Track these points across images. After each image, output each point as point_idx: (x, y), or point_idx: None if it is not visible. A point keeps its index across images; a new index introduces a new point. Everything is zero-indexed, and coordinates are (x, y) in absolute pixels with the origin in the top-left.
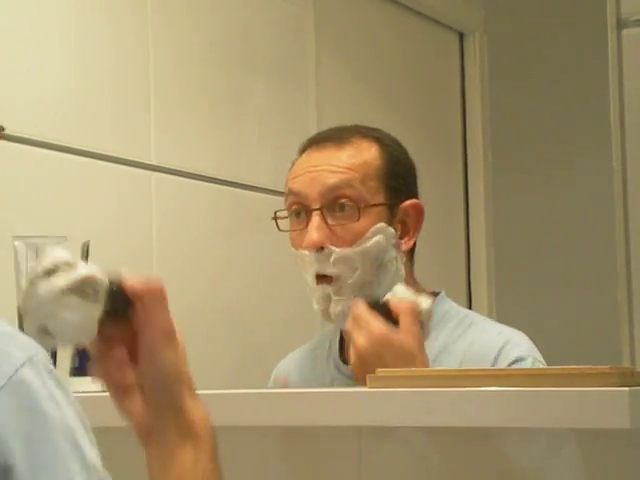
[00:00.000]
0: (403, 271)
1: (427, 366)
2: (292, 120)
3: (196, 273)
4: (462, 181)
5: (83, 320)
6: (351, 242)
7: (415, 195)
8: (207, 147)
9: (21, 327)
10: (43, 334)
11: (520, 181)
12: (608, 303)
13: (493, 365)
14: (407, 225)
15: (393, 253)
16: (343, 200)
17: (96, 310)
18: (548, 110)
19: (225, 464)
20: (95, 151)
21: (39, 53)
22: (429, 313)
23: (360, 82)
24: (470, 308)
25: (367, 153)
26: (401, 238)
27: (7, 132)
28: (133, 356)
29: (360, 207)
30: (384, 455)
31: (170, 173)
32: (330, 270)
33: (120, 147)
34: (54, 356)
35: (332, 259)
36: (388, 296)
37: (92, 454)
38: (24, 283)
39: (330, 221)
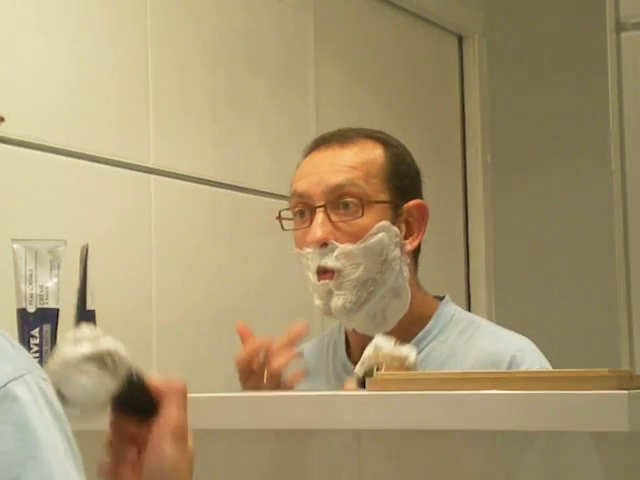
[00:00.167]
0: (407, 273)
1: None
2: (292, 123)
3: (195, 275)
4: (461, 182)
5: (96, 388)
6: (355, 238)
7: (419, 197)
8: (206, 150)
9: (20, 331)
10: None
11: (519, 182)
12: (607, 306)
13: None
14: (411, 226)
15: (397, 252)
16: (347, 198)
17: (111, 383)
18: (547, 112)
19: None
20: (94, 154)
21: (38, 56)
22: (414, 368)
23: (360, 85)
24: (469, 310)
25: (371, 152)
26: (405, 239)
27: (6, 135)
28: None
29: (364, 203)
30: (383, 458)
31: (169, 176)
32: (332, 264)
33: (119, 150)
34: None
35: (335, 254)
36: (368, 351)
37: (76, 478)
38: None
39: (334, 218)
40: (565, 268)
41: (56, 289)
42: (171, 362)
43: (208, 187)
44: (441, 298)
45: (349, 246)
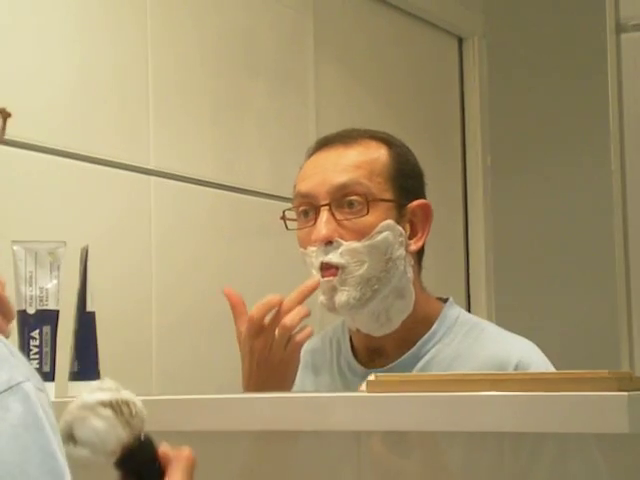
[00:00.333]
0: (411, 273)
1: None
2: (292, 124)
3: (195, 277)
4: (461, 184)
5: (108, 433)
6: (360, 236)
7: (423, 197)
8: (206, 151)
9: (20, 333)
10: (67, 439)
11: (519, 184)
12: (607, 307)
13: None
14: (415, 226)
15: (402, 252)
16: (352, 197)
17: (123, 432)
18: (547, 113)
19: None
20: (94, 155)
21: (37, 57)
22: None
23: (359, 87)
24: (469, 311)
25: (375, 152)
26: (409, 239)
27: (5, 137)
28: None
29: (369, 201)
30: (383, 460)
31: (169, 177)
32: (337, 260)
33: (119, 151)
34: (54, 359)
35: (340, 250)
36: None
37: None
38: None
39: (338, 216)
40: (565, 269)
41: (56, 290)
42: (171, 363)
43: (208, 188)
44: (444, 300)
45: (354, 243)
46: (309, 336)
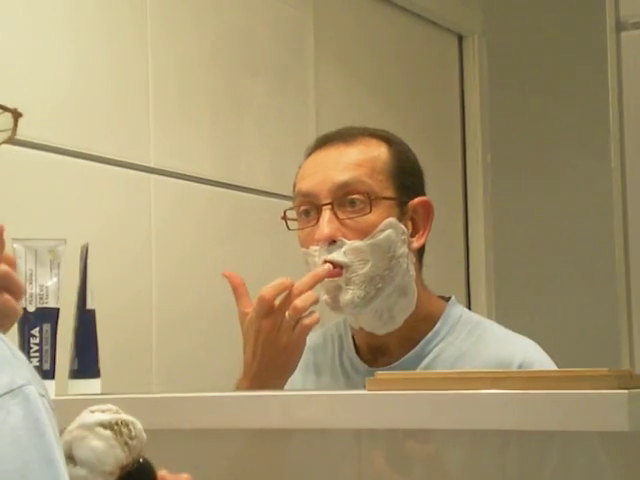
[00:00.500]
0: (413, 271)
1: None
2: (291, 122)
3: (195, 275)
4: (461, 182)
5: (107, 453)
6: (363, 235)
7: (423, 194)
8: (206, 149)
9: (20, 330)
10: (66, 459)
11: (519, 183)
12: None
13: None
14: (417, 223)
15: (404, 250)
16: (354, 195)
17: (122, 453)
18: (547, 112)
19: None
20: (94, 153)
21: (37, 56)
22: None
23: (359, 85)
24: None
25: (376, 150)
26: (412, 236)
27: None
28: None
29: (371, 199)
30: (383, 458)
31: (169, 175)
32: (341, 259)
33: (119, 149)
34: (54, 356)
35: (343, 249)
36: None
37: None
38: None
39: (341, 215)
40: (565, 268)
41: (56, 288)
42: (171, 360)
43: (207, 186)
44: (447, 298)
45: (357, 242)
46: (317, 321)
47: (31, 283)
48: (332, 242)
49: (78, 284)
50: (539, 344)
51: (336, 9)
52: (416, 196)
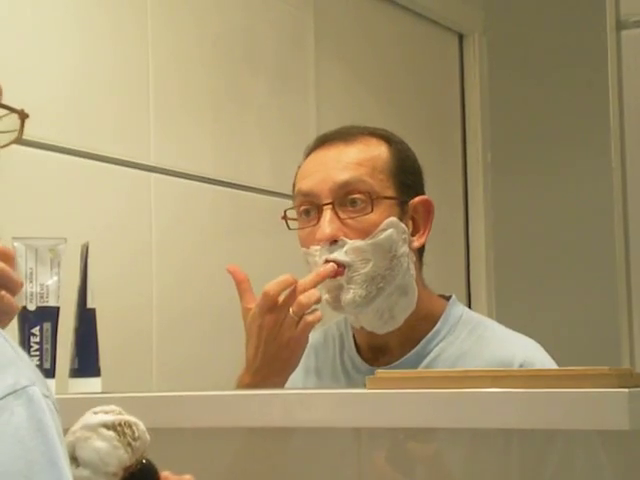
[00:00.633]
0: (414, 270)
1: None
2: (292, 121)
3: (195, 274)
4: (462, 181)
5: (110, 454)
6: (364, 235)
7: (423, 193)
8: (207, 148)
9: (21, 329)
10: (70, 460)
11: (519, 182)
12: (607, 304)
13: None
14: (417, 222)
15: (405, 249)
16: (355, 195)
17: (125, 454)
18: (547, 110)
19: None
20: (94, 152)
21: (38, 55)
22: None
23: (360, 83)
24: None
25: (376, 149)
26: (412, 235)
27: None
28: None
29: (373, 199)
30: (383, 457)
31: (169, 174)
32: (342, 258)
33: (119, 148)
34: (54, 355)
35: (345, 249)
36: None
37: None
38: None
39: (342, 215)
40: (565, 267)
41: (56, 287)
42: (171, 360)
43: (208, 185)
44: (447, 297)
45: (358, 242)
46: (320, 319)
47: (31, 282)
48: (333, 242)
49: (78, 283)
50: (539, 342)
51: (337, 8)
52: (416, 195)
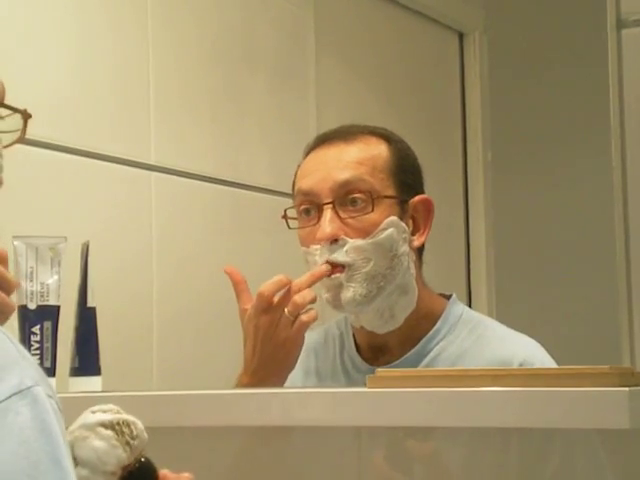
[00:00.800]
0: (414, 269)
1: None
2: (292, 120)
3: (195, 273)
4: (462, 181)
5: (108, 453)
6: (364, 234)
7: (423, 192)
8: (207, 147)
9: (21, 328)
10: None
11: (520, 181)
12: (608, 303)
13: None
14: (417, 221)
15: (405, 248)
16: (355, 194)
17: (124, 453)
18: (548, 110)
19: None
20: (94, 151)
21: (38, 54)
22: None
23: (360, 82)
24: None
25: (376, 148)
26: (412, 234)
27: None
28: None
29: (373, 198)
30: (384, 456)
31: (170, 173)
32: (343, 258)
33: (120, 147)
34: (54, 354)
35: (345, 248)
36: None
37: None
38: None
39: (342, 214)
40: (566, 266)
41: (57, 286)
42: (171, 358)
43: (208, 184)
44: (447, 297)
45: (359, 241)
46: (315, 318)
47: (32, 281)
48: (334, 241)
49: (79, 282)
50: (540, 341)
51: (337, 7)
52: (416, 194)
